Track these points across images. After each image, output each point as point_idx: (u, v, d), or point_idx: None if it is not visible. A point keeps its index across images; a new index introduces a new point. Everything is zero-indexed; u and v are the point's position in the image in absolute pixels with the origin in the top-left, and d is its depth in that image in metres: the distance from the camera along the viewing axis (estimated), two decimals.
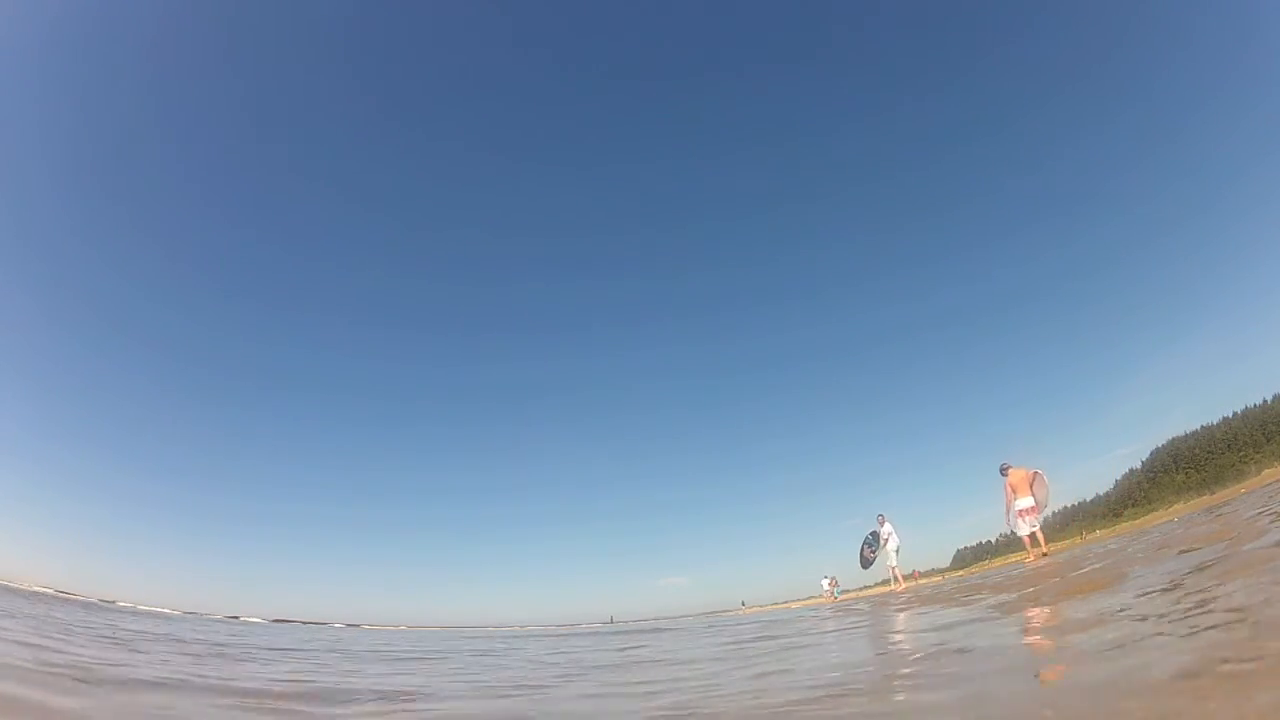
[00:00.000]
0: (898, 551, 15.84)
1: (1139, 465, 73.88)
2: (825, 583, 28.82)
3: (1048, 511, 12.69)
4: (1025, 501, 11.25)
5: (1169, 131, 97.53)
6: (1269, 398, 62.07)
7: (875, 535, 16.95)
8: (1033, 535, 11.21)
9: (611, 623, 34.48)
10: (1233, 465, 56.89)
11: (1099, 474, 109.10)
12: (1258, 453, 57.14)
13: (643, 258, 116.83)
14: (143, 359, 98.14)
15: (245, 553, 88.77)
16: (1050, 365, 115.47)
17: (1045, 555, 10.87)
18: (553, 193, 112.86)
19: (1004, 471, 11.47)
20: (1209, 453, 64.35)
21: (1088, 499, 79.19)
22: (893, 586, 16.30)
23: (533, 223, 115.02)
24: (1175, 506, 47.94)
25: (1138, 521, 44.02)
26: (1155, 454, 71.79)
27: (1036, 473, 11.45)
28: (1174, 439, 69.95)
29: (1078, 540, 45.34)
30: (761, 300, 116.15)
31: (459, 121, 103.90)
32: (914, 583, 17.81)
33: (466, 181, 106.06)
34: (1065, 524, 75.57)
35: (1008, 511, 11.35)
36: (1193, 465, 65.28)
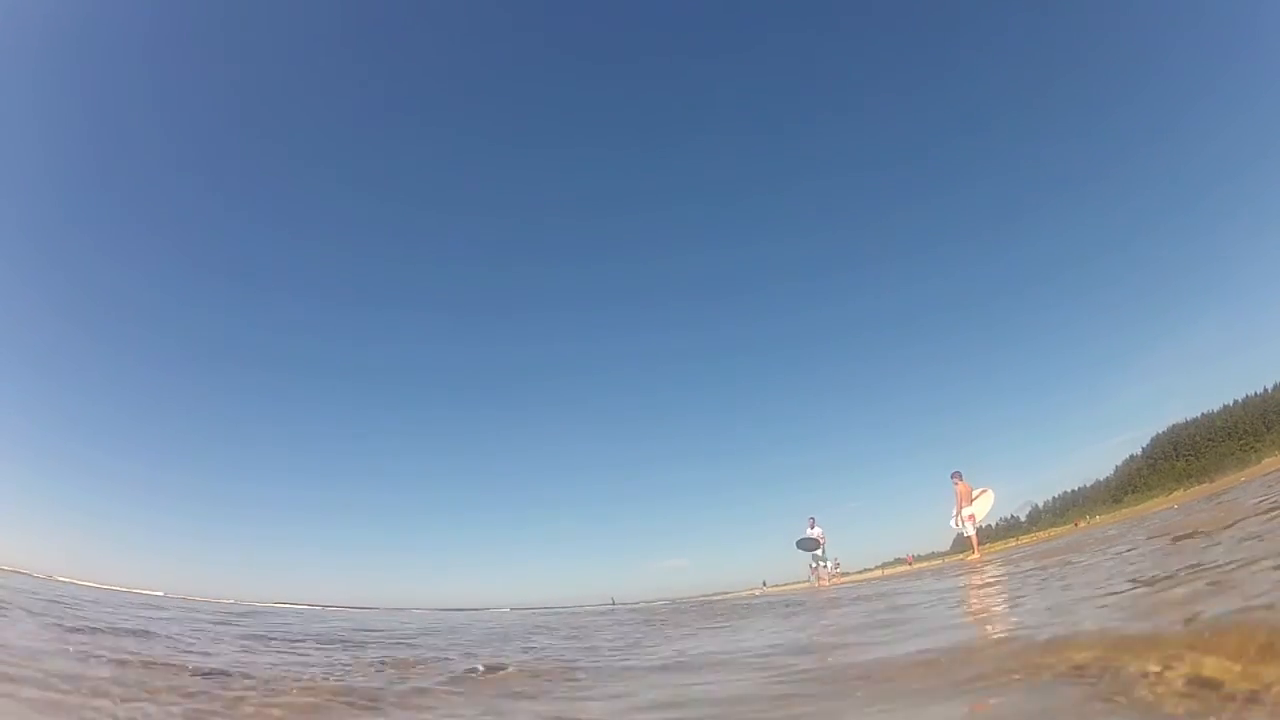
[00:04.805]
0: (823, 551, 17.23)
1: (1139, 452, 74.17)
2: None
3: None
4: (967, 510, 13.78)
5: (1175, 116, 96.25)
6: (1270, 386, 62.21)
7: (814, 542, 16.85)
8: (972, 537, 13.94)
9: (613, 605, 34.78)
10: (1233, 453, 57.15)
11: (1099, 460, 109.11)
12: (1258, 441, 57.33)
13: (635, 240, 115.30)
14: (143, 348, 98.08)
15: (212, 535, 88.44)
16: (1051, 350, 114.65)
17: (978, 557, 13.33)
18: (550, 176, 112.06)
19: (954, 479, 13.92)
20: (1209, 440, 64.59)
21: (1087, 484, 79.59)
22: (816, 583, 16.38)
23: (530, 205, 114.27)
24: (1175, 494, 48.27)
25: (1138, 508, 44.34)
26: (1155, 440, 71.98)
27: (985, 490, 14.28)
28: (1174, 426, 70.01)
29: (1080, 525, 45.81)
30: (766, 281, 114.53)
31: (439, 107, 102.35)
32: (839, 581, 17.58)
33: (461, 168, 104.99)
34: (1064, 510, 76.07)
35: (957, 512, 13.81)
36: (1193, 453, 65.55)
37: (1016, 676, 1.72)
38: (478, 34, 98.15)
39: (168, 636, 3.92)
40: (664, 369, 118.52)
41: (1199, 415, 67.56)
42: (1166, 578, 2.69)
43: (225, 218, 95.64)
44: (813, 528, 17.19)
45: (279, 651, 3.67)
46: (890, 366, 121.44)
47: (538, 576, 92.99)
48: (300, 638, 4.58)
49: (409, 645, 4.30)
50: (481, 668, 2.84)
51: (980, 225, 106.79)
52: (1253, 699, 1.25)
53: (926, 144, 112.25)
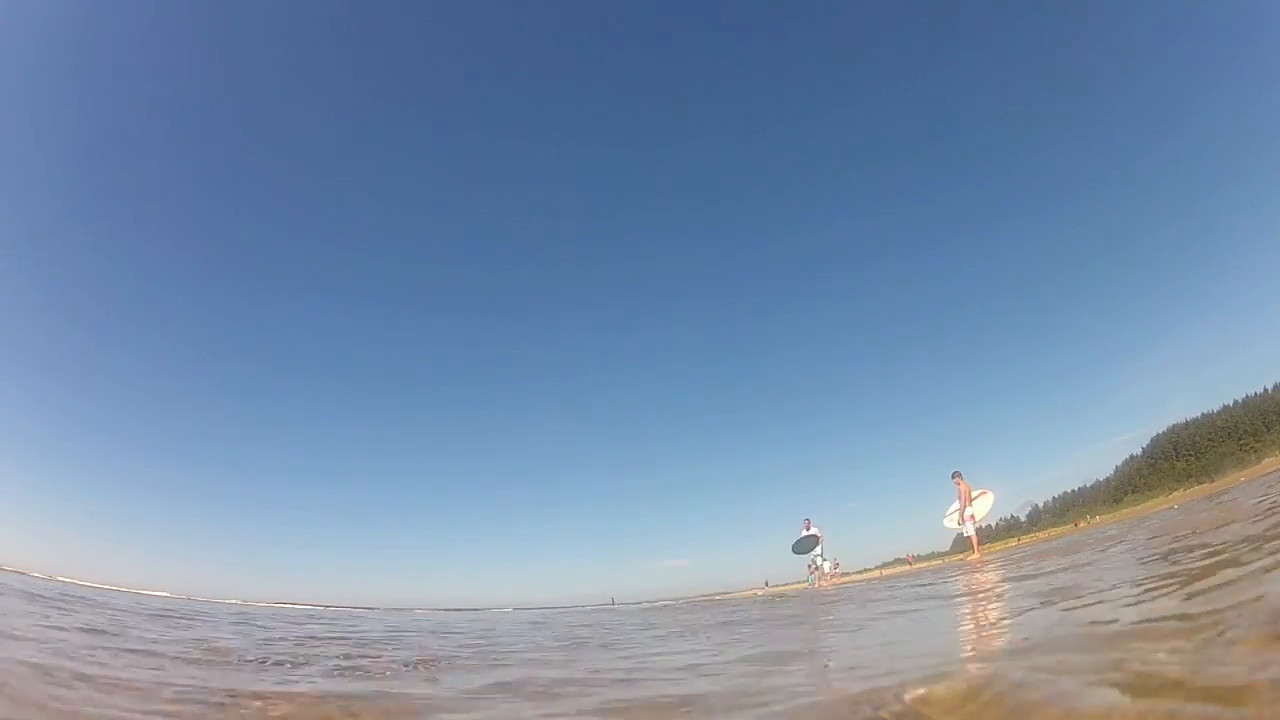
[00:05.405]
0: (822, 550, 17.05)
1: (1139, 451, 74.33)
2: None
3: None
4: (967, 510, 13.91)
5: (1175, 117, 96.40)
6: (1269, 386, 62.33)
7: (814, 539, 16.82)
8: (973, 537, 13.98)
9: (613, 604, 34.82)
10: (1233, 453, 57.24)
11: (1099, 460, 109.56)
12: (1258, 441, 57.45)
13: (634, 241, 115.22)
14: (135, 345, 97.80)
15: (210, 535, 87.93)
16: (1052, 350, 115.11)
17: (978, 558, 13.24)
18: (548, 177, 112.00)
19: (955, 479, 14.00)
20: (1209, 440, 64.68)
21: (1088, 485, 79.70)
22: (816, 584, 16.44)
23: (529, 206, 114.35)
24: (1175, 494, 48.34)
25: (1138, 508, 44.38)
26: (1156, 441, 72.15)
27: (984, 491, 14.37)
28: (1174, 426, 70.22)
29: (1080, 525, 45.84)
30: (766, 281, 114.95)
31: (436, 104, 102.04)
32: (839, 581, 17.62)
33: (460, 169, 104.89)
34: (1064, 509, 76.16)
35: (960, 511, 13.90)
36: (1193, 453, 65.65)
37: None
38: (476, 36, 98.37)
39: None
40: (664, 369, 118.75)
41: (1199, 415, 67.79)
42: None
43: (225, 218, 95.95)
44: (808, 529, 17.05)
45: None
46: (890, 366, 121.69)
47: (538, 576, 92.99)
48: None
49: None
50: None
51: (980, 225, 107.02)
52: None
53: (926, 144, 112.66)
